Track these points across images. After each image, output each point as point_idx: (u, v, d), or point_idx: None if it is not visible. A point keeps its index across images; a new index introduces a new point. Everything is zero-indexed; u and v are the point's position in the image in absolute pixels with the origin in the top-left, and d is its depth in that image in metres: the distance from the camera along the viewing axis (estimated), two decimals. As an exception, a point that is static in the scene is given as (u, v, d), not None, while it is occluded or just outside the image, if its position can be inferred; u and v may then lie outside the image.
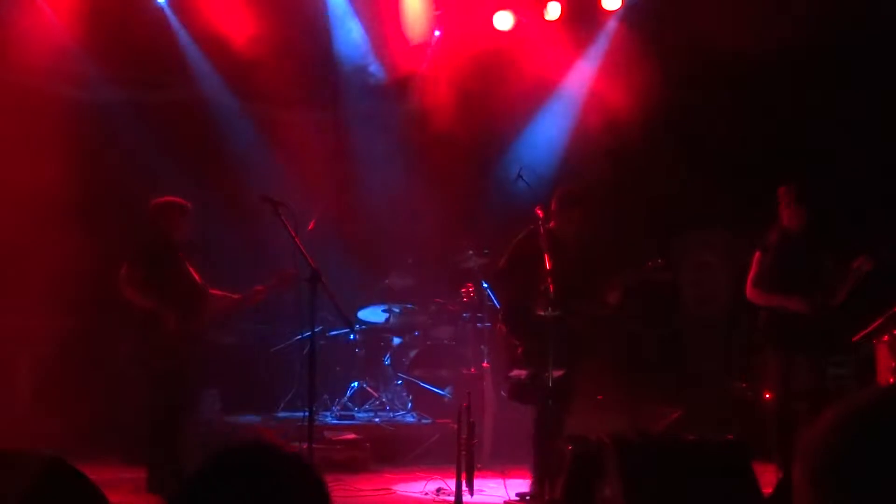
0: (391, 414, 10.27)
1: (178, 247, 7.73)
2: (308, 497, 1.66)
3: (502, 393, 8.44)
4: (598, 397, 10.21)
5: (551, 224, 7.68)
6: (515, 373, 7.70)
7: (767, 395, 9.08)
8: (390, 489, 8.20)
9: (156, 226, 7.66)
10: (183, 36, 10.88)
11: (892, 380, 8.58)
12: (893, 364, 8.54)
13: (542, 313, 7.37)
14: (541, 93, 11.22)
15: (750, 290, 7.85)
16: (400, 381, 10.50)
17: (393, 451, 9.47)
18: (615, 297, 7.69)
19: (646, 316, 10.58)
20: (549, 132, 11.25)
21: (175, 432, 7.57)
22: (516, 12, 11.10)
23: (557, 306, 7.35)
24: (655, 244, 9.82)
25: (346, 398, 10.43)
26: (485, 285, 9.92)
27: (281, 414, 10.04)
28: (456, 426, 7.37)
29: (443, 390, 10.27)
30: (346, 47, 11.54)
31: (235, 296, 7.95)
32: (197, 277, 7.76)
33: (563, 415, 7.62)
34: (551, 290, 7.27)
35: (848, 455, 1.31)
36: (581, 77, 11.22)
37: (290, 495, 1.63)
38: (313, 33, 11.53)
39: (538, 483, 7.42)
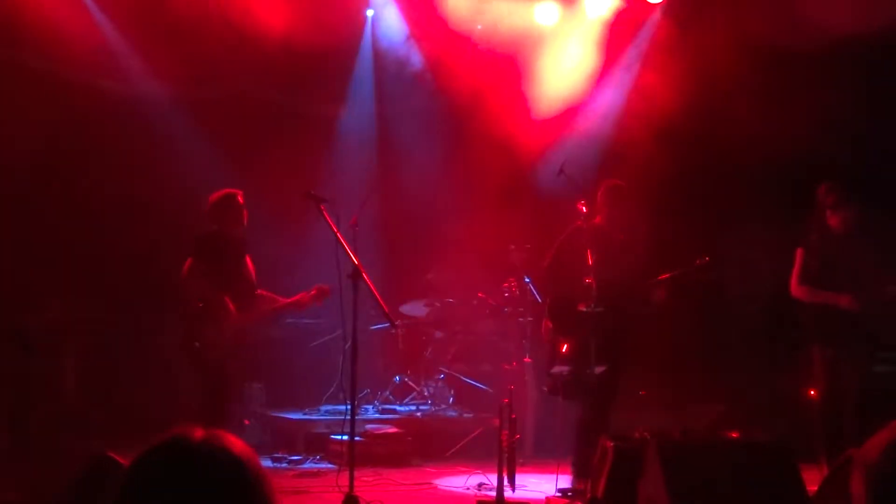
0: (433, 408, 10.29)
1: (236, 241, 7.75)
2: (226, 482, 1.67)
3: (544, 388, 8.43)
4: (641, 393, 10.17)
5: (597, 219, 7.66)
6: (557, 369, 7.70)
7: (812, 393, 8.98)
8: (431, 483, 8.22)
9: (214, 220, 7.68)
10: (229, 30, 10.93)
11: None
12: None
13: (583, 309, 7.37)
14: (585, 86, 11.15)
15: (795, 288, 7.77)
16: (442, 376, 10.51)
17: (434, 446, 9.49)
18: (660, 295, 7.66)
19: (690, 314, 10.51)
20: (593, 125, 11.19)
21: (220, 425, 7.60)
22: (561, 4, 11.07)
23: (601, 302, 7.34)
24: (701, 241, 9.76)
25: (387, 392, 10.47)
26: (527, 280, 9.91)
27: (323, 407, 10.10)
28: (497, 421, 7.37)
29: (484, 385, 10.27)
30: (385, 39, 11.56)
31: (283, 300, 7.94)
32: (252, 273, 7.78)
33: (606, 411, 7.61)
34: (594, 285, 7.27)
35: None
36: (625, 70, 11.15)
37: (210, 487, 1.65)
38: (354, 26, 11.57)
39: (579, 478, 7.41)
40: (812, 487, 6.41)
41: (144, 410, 9.28)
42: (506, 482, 7.23)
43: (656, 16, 11.05)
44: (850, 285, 7.57)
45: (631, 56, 11.16)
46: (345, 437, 7.38)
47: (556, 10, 11.11)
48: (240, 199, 7.68)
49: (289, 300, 7.89)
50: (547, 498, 7.50)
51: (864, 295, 7.54)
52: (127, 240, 10.22)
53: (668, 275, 7.72)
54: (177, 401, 9.08)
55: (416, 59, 11.49)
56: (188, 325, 7.54)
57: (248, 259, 7.78)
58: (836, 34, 9.29)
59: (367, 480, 7.91)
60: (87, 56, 9.93)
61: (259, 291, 7.85)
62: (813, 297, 7.68)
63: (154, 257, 9.50)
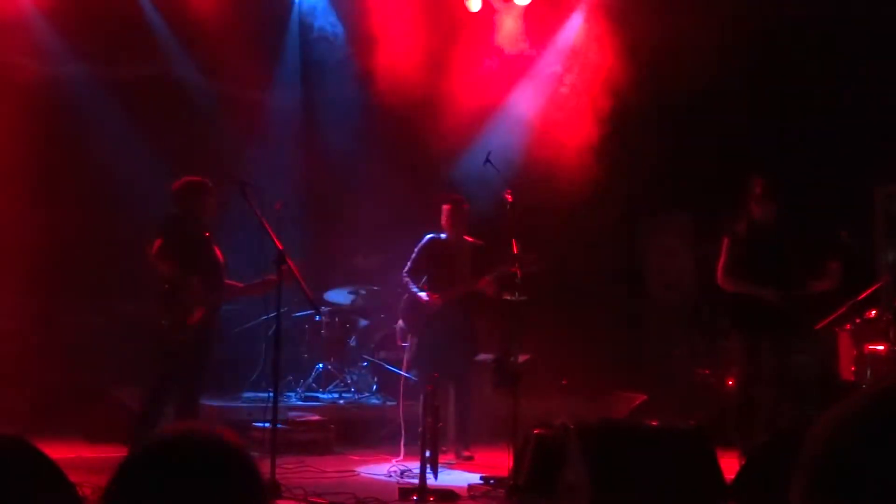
0: (356, 396, 10.25)
1: (205, 226, 7.61)
2: (237, 487, 1.57)
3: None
4: (563, 382, 10.25)
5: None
6: (482, 357, 7.81)
7: (730, 382, 9.14)
8: (354, 471, 8.18)
9: (182, 205, 7.52)
10: (150, 10, 10.74)
11: (853, 368, 8.67)
12: (855, 352, 8.61)
13: (508, 298, 7.46)
14: (512, 75, 11.17)
15: (721, 278, 7.88)
16: (365, 363, 10.47)
17: (357, 434, 9.46)
18: (490, 290, 8.29)
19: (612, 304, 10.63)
20: (519, 115, 11.21)
21: (160, 408, 7.46)
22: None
23: (525, 291, 7.40)
24: (623, 230, 9.83)
25: (310, 380, 10.39)
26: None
27: (245, 394, 9.99)
28: (421, 409, 7.37)
29: (408, 373, 10.24)
30: (313, 23, 11.46)
31: (239, 284, 7.79)
32: (220, 258, 7.63)
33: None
34: (519, 274, 7.32)
35: (849, 460, 1.26)
36: (552, 60, 11.19)
37: (219, 487, 1.55)
38: (281, 9, 11.46)
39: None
40: (729, 473, 6.53)
41: (61, 398, 9.11)
42: (428, 470, 7.24)
43: (583, 4, 11.12)
44: (774, 276, 7.69)
45: (559, 42, 11.20)
46: (266, 425, 7.31)
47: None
48: (204, 185, 7.55)
49: (253, 282, 7.70)
50: (469, 485, 7.51)
51: (788, 288, 7.68)
52: (44, 221, 9.98)
53: (494, 271, 7.99)
54: (92, 383, 8.92)
55: (344, 44, 11.41)
56: (156, 303, 7.40)
57: (215, 247, 7.65)
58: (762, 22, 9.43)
59: (290, 468, 7.84)
60: (2, 33, 9.67)
61: None
62: (739, 288, 7.80)
63: (73, 239, 9.30)
